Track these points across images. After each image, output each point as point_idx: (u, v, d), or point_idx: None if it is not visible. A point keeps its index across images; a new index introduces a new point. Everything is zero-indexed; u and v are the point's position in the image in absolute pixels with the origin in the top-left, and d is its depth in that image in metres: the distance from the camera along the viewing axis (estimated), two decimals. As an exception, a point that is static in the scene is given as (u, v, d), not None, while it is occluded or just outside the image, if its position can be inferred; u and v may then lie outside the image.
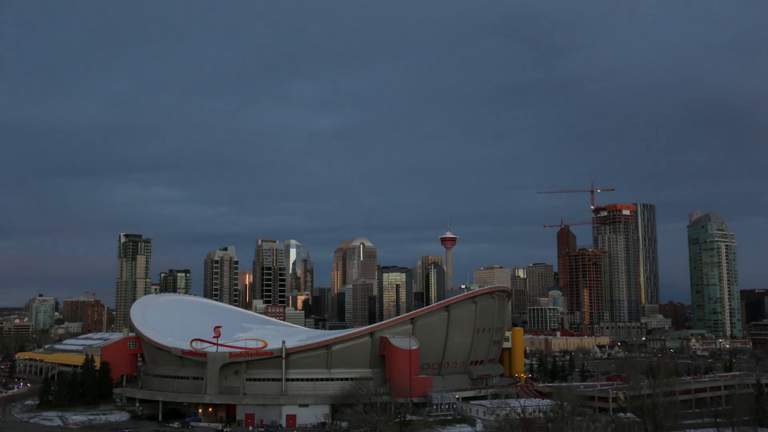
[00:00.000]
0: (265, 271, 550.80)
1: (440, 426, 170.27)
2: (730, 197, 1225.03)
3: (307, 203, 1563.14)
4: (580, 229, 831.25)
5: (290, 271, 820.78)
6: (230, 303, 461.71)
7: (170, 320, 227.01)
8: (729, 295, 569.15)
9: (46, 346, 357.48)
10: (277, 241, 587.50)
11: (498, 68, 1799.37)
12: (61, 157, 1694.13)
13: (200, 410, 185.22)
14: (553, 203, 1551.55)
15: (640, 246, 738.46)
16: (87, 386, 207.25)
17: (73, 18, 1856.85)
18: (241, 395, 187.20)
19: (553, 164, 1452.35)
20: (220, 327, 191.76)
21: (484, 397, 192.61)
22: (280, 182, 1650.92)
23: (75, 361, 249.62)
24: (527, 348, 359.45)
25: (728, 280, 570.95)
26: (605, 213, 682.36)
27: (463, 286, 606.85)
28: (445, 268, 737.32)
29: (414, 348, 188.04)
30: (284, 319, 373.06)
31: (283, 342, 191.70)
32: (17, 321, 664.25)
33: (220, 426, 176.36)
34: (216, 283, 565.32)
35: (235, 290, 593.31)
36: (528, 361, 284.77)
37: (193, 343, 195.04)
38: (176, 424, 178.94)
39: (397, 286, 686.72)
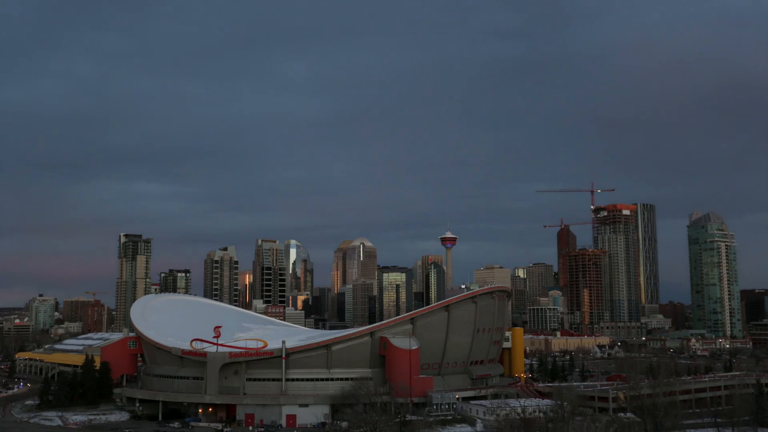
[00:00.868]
0: (265, 271, 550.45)
1: (440, 426, 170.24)
2: (731, 197, 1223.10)
3: (299, 199, 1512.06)
4: (580, 229, 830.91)
5: (290, 271, 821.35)
6: (230, 303, 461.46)
7: (170, 320, 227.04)
8: (729, 295, 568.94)
9: (46, 346, 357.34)
10: (277, 241, 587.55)
11: (501, 42, 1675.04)
12: (29, 147, 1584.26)
13: (200, 410, 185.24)
14: (553, 203, 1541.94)
15: (640, 246, 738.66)
16: (87, 386, 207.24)
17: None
18: (241, 395, 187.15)
19: (553, 163, 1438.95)
20: (220, 327, 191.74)
21: (484, 397, 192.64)
22: (269, 177, 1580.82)
23: (75, 361, 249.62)
24: (527, 348, 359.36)
25: (728, 280, 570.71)
26: (605, 213, 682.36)
27: (463, 286, 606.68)
28: (445, 268, 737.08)
29: (414, 348, 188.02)
30: (284, 319, 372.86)
31: (283, 342, 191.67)
32: (17, 321, 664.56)
33: (220, 426, 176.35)
34: (216, 283, 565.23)
35: (235, 290, 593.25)
36: (528, 361, 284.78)
37: (193, 343, 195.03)
38: (176, 424, 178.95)
39: (397, 286, 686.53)
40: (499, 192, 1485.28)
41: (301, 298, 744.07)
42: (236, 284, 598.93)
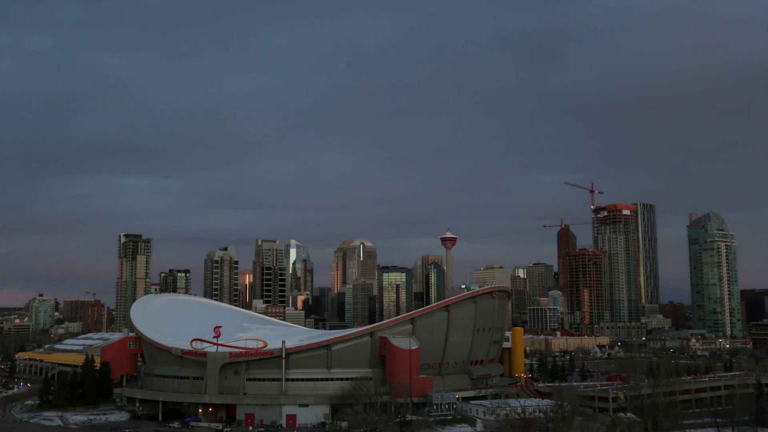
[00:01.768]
0: (265, 271, 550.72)
1: (440, 426, 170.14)
2: (731, 197, 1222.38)
3: (288, 195, 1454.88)
4: (580, 229, 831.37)
5: (290, 271, 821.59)
6: (230, 303, 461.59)
7: (170, 320, 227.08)
8: (729, 295, 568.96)
9: (46, 346, 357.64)
10: (277, 241, 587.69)
11: (509, 16, 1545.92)
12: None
13: (200, 410, 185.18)
14: (553, 203, 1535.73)
15: (640, 246, 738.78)
16: (87, 386, 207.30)
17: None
18: (241, 395, 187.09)
19: (553, 163, 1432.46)
20: (220, 327, 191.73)
21: (484, 397, 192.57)
22: (254, 170, 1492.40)
23: (75, 361, 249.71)
24: (527, 348, 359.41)
25: (728, 280, 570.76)
26: (605, 213, 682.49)
27: (463, 286, 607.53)
28: (445, 268, 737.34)
29: (414, 348, 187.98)
30: (284, 319, 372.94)
31: (283, 342, 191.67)
32: (17, 321, 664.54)
33: (220, 426, 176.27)
34: (216, 283, 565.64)
35: (235, 290, 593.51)
36: (528, 361, 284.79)
37: (193, 343, 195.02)
38: (176, 424, 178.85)
39: (397, 286, 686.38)
40: (498, 192, 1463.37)
41: (301, 298, 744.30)
42: (236, 284, 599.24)
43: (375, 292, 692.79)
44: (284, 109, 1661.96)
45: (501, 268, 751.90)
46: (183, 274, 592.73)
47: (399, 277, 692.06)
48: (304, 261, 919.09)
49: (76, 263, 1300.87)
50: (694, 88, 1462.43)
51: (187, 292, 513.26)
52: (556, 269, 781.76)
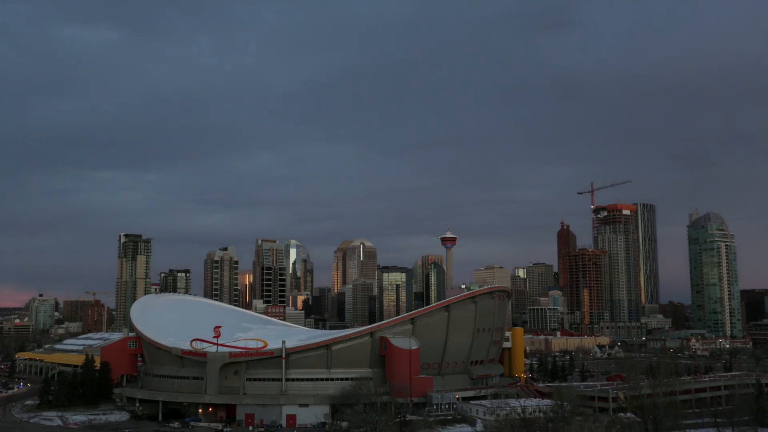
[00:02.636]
0: (265, 271, 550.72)
1: (440, 426, 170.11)
2: (731, 196, 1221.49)
3: (276, 189, 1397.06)
4: (580, 229, 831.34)
5: (290, 271, 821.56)
6: (230, 303, 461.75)
7: (170, 320, 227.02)
8: (729, 295, 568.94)
9: (46, 346, 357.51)
10: (277, 241, 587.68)
11: None
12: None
13: (200, 410, 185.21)
14: (553, 202, 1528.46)
15: (640, 246, 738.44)
16: (87, 386, 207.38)
17: None
18: (241, 395, 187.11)
19: (554, 162, 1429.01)
20: (220, 327, 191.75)
21: (484, 397, 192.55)
22: (239, 164, 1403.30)
23: (75, 361, 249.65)
24: (527, 348, 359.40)
25: (728, 280, 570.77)
26: (605, 213, 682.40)
27: (463, 286, 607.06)
28: (445, 268, 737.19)
29: (414, 348, 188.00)
30: (284, 319, 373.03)
31: (283, 342, 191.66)
32: (17, 321, 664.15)
33: (220, 426, 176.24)
34: (216, 283, 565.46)
35: (235, 290, 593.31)
36: (528, 361, 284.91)
37: (193, 343, 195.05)
38: (176, 424, 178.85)
39: (397, 286, 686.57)
40: (499, 186, 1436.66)
41: (301, 298, 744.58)
42: (236, 284, 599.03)
43: (375, 292, 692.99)
44: (265, 93, 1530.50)
45: (501, 268, 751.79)
46: (183, 274, 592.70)
47: (399, 277, 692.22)
48: (304, 261, 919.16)
49: (63, 262, 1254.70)
50: (708, 75, 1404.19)
51: (187, 292, 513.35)
52: (556, 269, 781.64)
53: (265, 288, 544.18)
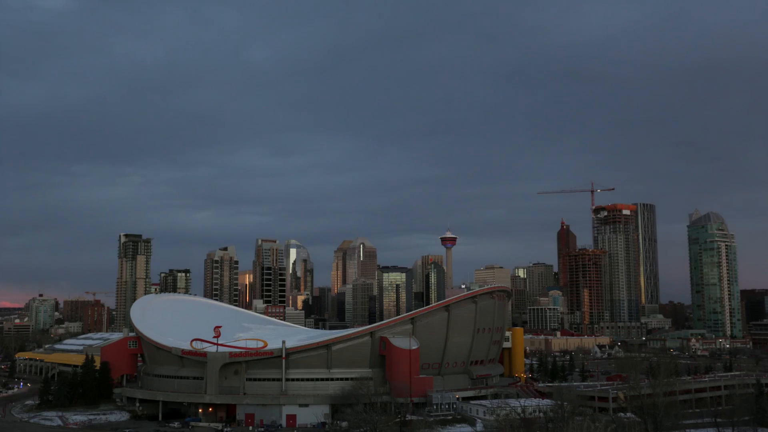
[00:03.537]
0: (265, 271, 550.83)
1: (440, 426, 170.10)
2: (731, 196, 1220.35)
3: (264, 182, 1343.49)
4: (580, 229, 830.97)
5: (290, 271, 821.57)
6: (230, 303, 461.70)
7: (170, 320, 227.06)
8: (729, 295, 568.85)
9: (46, 346, 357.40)
10: (277, 241, 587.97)
11: None
12: None
13: (200, 410, 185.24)
14: (553, 202, 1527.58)
15: (640, 246, 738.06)
16: (87, 386, 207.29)
17: None
18: (241, 395, 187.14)
19: (553, 161, 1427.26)
20: (220, 327, 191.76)
21: (484, 397, 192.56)
22: (222, 158, 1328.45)
23: (75, 361, 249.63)
24: (527, 348, 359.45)
25: (728, 280, 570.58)
26: (605, 213, 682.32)
27: (463, 286, 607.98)
28: (445, 268, 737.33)
29: (414, 348, 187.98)
30: (284, 319, 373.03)
31: (283, 342, 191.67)
32: (17, 321, 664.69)
33: (220, 426, 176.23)
34: (216, 283, 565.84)
35: (235, 290, 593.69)
36: (528, 361, 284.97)
37: (193, 343, 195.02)
38: (176, 424, 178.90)
39: (397, 286, 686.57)
40: (500, 179, 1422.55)
41: (301, 298, 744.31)
42: (236, 284, 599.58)
43: (375, 292, 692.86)
44: (244, 71, 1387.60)
45: (501, 268, 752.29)
46: (183, 274, 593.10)
47: (399, 277, 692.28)
48: (304, 261, 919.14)
49: (63, 261, 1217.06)
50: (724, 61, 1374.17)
51: (187, 292, 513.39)
52: (556, 269, 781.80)
53: (265, 288, 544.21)
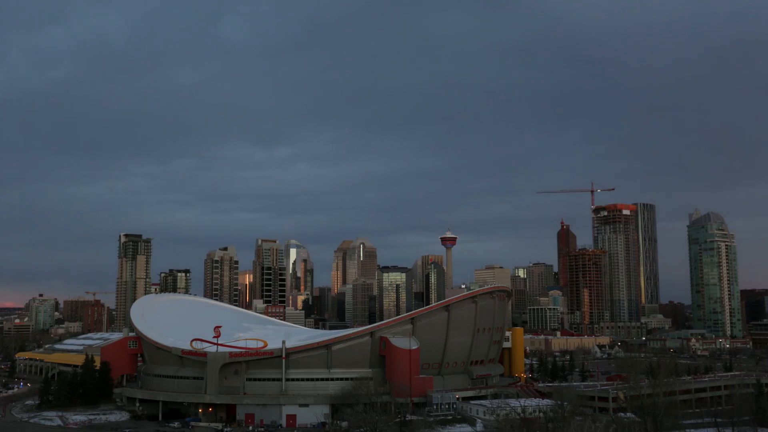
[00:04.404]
0: (265, 271, 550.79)
1: (440, 426, 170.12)
2: (731, 196, 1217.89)
3: (255, 176, 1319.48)
4: (580, 229, 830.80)
5: (290, 271, 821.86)
6: (230, 303, 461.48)
7: (170, 320, 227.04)
8: (729, 295, 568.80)
9: (46, 346, 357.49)
10: (277, 241, 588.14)
11: None
12: None
13: (200, 410, 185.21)
14: (553, 202, 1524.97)
15: (640, 246, 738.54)
16: (87, 386, 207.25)
17: None
18: (241, 395, 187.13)
19: (554, 161, 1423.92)
20: (220, 327, 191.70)
21: (484, 397, 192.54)
22: (211, 152, 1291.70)
23: (75, 361, 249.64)
24: (527, 348, 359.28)
25: (728, 280, 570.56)
26: (605, 213, 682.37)
27: (463, 286, 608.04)
28: (445, 268, 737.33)
29: (414, 348, 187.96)
30: (284, 319, 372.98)
31: (283, 342, 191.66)
32: (17, 321, 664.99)
33: (220, 426, 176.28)
34: (216, 283, 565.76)
35: (235, 290, 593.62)
36: (528, 361, 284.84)
37: (193, 343, 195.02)
38: (176, 424, 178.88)
39: (397, 286, 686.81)
40: (501, 172, 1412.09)
41: (301, 298, 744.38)
42: (236, 284, 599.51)
43: (375, 292, 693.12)
44: (219, 50, 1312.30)
45: (501, 267, 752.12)
46: (183, 274, 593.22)
47: (399, 277, 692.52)
48: (304, 261, 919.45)
49: (63, 261, 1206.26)
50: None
51: (187, 292, 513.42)
52: (556, 269, 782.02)
53: (265, 288, 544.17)
